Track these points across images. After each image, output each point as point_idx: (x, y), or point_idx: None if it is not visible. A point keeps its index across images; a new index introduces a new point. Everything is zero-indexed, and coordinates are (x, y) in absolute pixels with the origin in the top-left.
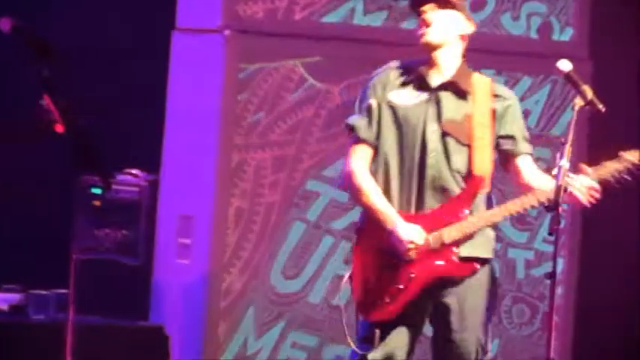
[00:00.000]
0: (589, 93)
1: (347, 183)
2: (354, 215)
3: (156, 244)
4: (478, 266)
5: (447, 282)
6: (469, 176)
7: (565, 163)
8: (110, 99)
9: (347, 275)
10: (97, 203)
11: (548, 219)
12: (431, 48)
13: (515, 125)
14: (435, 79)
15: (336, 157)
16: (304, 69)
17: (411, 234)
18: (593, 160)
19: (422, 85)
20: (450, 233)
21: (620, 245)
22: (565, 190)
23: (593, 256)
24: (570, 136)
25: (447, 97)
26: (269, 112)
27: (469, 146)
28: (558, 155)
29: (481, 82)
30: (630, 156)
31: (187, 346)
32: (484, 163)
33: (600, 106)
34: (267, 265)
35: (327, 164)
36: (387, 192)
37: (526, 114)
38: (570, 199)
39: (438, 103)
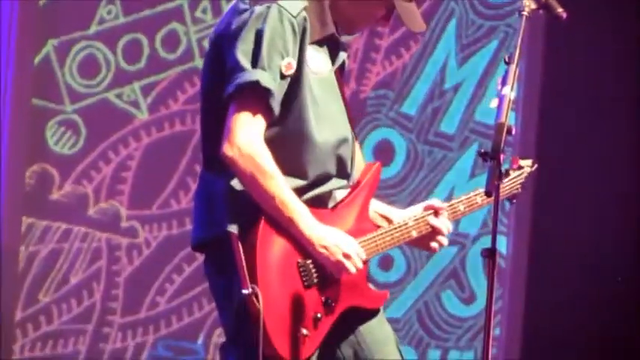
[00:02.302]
0: None
1: (246, 160)
2: None
3: None
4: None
5: (359, 313)
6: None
7: (509, 91)
8: None
9: (247, 291)
10: None
11: None
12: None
13: None
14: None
15: None
16: None
17: (352, 246)
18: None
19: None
20: (368, 246)
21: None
22: (509, 131)
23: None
24: (517, 54)
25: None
26: None
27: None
28: (499, 80)
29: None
30: (524, 163)
31: None
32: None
33: (559, 10)
34: None
35: None
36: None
37: None
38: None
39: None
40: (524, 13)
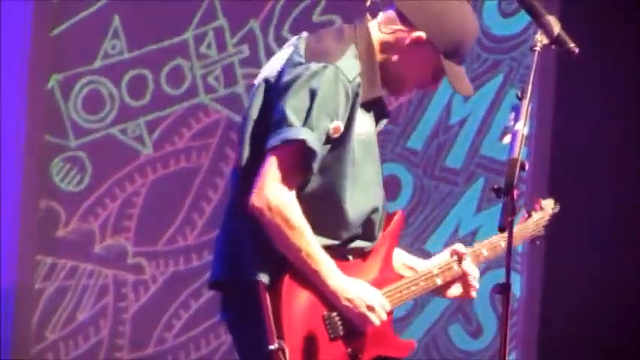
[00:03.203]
0: (556, 26)
1: (274, 213)
2: None
3: None
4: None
5: None
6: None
7: (522, 126)
8: None
9: (274, 347)
10: None
11: None
12: None
13: None
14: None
15: None
16: None
17: (377, 299)
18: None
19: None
20: (393, 296)
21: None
22: (523, 167)
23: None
24: (529, 89)
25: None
26: None
27: None
28: (512, 115)
29: None
30: (547, 203)
31: None
32: None
33: (571, 46)
34: None
35: None
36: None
37: None
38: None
39: None
40: (537, 48)
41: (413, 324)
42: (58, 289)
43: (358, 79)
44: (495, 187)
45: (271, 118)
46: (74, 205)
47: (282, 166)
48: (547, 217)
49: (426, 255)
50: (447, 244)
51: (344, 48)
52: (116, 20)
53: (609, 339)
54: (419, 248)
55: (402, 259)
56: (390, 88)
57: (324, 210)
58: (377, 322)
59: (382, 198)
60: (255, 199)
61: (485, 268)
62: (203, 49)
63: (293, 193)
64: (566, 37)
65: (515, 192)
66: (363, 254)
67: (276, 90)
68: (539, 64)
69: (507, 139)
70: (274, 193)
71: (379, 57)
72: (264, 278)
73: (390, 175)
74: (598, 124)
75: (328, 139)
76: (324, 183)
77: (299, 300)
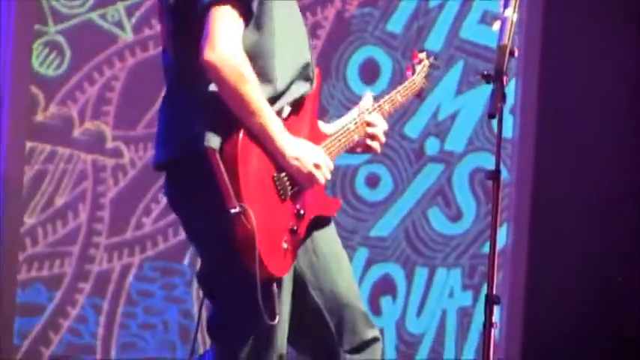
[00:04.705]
0: None
1: (230, 67)
2: None
3: None
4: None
5: (317, 221)
6: None
7: (511, 12)
8: None
9: (236, 210)
10: None
11: None
12: None
13: None
14: None
15: None
16: None
17: (322, 157)
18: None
19: None
20: (329, 151)
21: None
22: (512, 53)
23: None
24: None
25: None
26: None
27: None
28: (501, 2)
29: None
30: (422, 55)
31: None
32: None
33: None
34: None
35: None
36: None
37: None
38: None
39: None
40: None
41: (392, 208)
42: (36, 173)
43: None
44: (485, 73)
45: None
46: (53, 89)
47: (226, 16)
48: (426, 68)
49: (407, 140)
50: (426, 127)
51: None
52: None
53: (596, 294)
54: (398, 132)
55: None
56: None
57: (258, 63)
58: (322, 180)
59: (309, 48)
60: (210, 55)
61: (465, 151)
62: None
63: (241, 45)
64: None
65: (505, 78)
66: (296, 109)
67: None
68: None
69: (497, 25)
70: (227, 47)
71: None
72: (213, 143)
73: (369, 58)
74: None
75: None
76: (259, 37)
77: (252, 161)
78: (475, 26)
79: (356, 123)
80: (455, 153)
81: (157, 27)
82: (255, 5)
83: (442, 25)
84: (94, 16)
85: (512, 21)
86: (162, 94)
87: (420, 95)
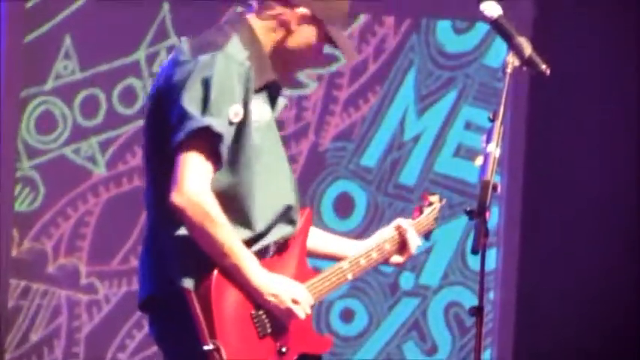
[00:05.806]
0: (527, 48)
1: (196, 208)
2: None
3: None
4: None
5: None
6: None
7: (494, 148)
8: None
9: (209, 347)
10: None
11: None
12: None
13: None
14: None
15: None
16: None
17: (302, 292)
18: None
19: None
20: (317, 289)
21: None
22: (495, 188)
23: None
24: (501, 110)
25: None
26: None
27: None
28: (484, 138)
29: None
30: (434, 198)
31: None
32: None
33: (543, 67)
34: None
35: None
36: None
37: None
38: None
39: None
40: (508, 70)
41: (367, 342)
42: (11, 309)
43: (248, 63)
44: (468, 209)
45: (171, 121)
46: (27, 225)
47: (194, 160)
48: (436, 211)
49: (382, 275)
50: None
51: (228, 38)
52: (67, 40)
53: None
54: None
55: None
56: (282, 70)
57: (239, 201)
58: (302, 315)
59: (293, 191)
60: (176, 198)
61: (440, 286)
62: (155, 68)
63: (209, 187)
64: (537, 59)
65: (488, 214)
66: (282, 248)
67: (168, 94)
68: (510, 86)
69: (479, 161)
70: (193, 189)
71: (265, 42)
72: (188, 284)
73: (344, 192)
74: (572, 142)
75: (231, 123)
76: (234, 173)
77: (228, 299)
78: (450, 160)
79: (350, 262)
80: (430, 287)
81: (131, 162)
82: (223, 149)
83: (417, 158)
84: (67, 151)
85: (494, 156)
86: (144, 232)
87: (428, 237)
